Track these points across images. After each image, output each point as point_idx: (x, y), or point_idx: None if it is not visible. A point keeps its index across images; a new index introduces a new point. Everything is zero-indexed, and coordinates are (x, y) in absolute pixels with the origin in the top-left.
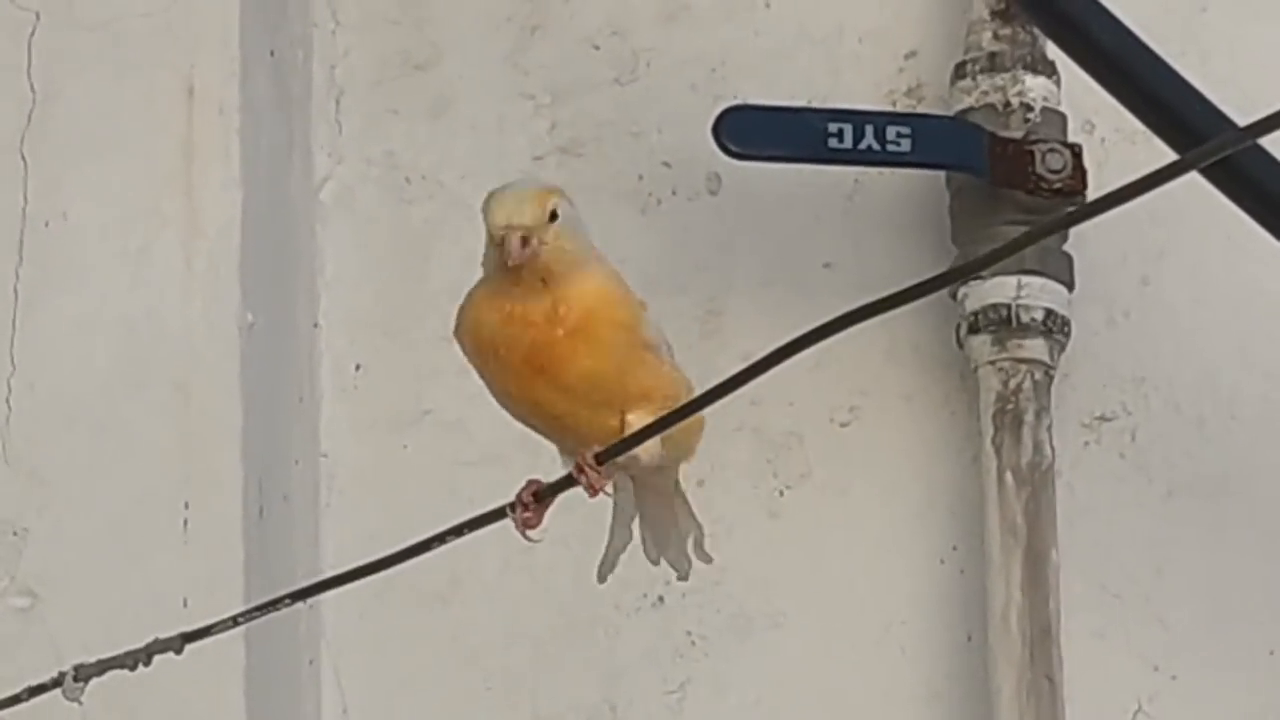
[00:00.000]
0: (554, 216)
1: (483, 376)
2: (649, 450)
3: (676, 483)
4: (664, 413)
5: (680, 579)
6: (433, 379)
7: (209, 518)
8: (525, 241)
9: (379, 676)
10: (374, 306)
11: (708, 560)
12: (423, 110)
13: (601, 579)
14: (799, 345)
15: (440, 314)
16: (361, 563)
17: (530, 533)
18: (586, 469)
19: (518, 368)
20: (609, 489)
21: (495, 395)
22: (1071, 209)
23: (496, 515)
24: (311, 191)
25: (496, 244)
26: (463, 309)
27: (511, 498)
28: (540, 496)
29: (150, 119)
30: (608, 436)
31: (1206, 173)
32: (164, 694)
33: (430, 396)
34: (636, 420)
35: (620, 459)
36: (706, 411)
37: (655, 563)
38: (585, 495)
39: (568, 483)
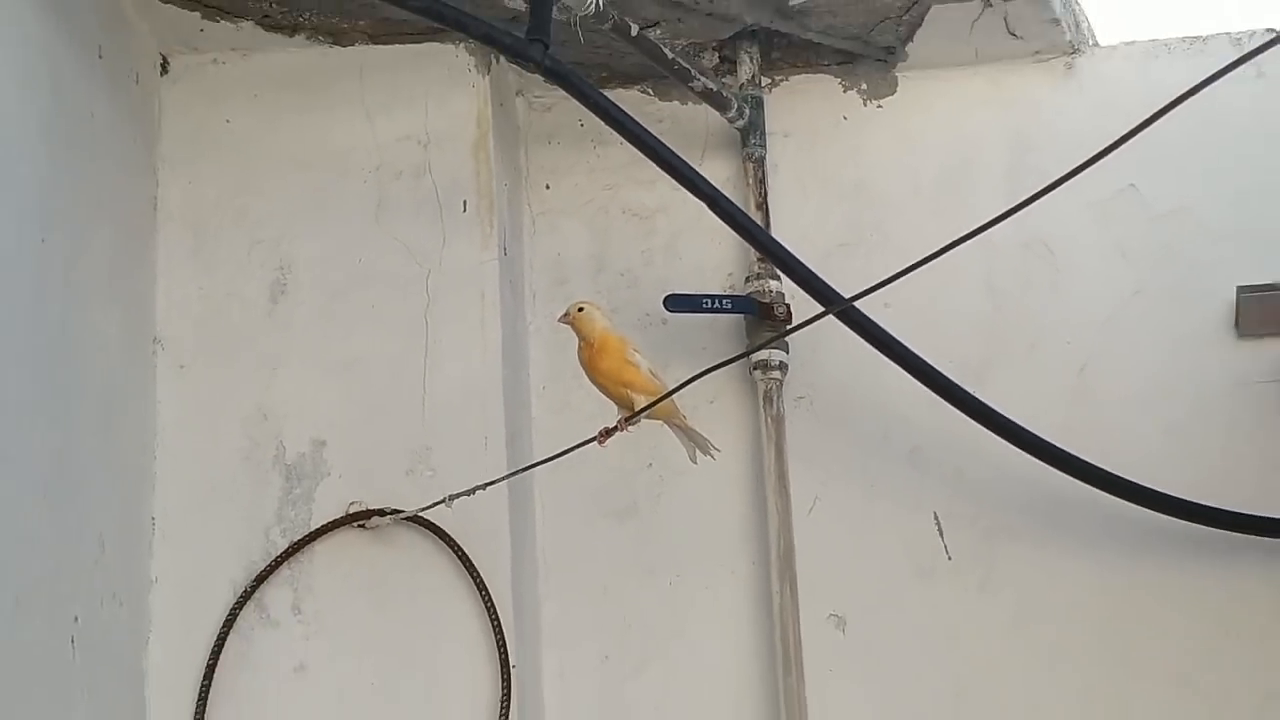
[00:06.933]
0: (580, 311)
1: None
2: (651, 412)
3: (681, 425)
4: (649, 399)
5: (708, 454)
6: None
7: None
8: (564, 316)
9: None
10: None
11: (712, 453)
12: None
13: (694, 460)
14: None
15: None
16: None
17: (603, 443)
18: (619, 424)
19: (588, 365)
20: (629, 428)
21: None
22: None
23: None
24: None
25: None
26: None
27: (594, 434)
28: (609, 433)
29: None
30: (625, 400)
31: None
32: None
33: None
34: (638, 399)
35: (640, 419)
36: None
37: (694, 461)
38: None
39: (614, 430)
